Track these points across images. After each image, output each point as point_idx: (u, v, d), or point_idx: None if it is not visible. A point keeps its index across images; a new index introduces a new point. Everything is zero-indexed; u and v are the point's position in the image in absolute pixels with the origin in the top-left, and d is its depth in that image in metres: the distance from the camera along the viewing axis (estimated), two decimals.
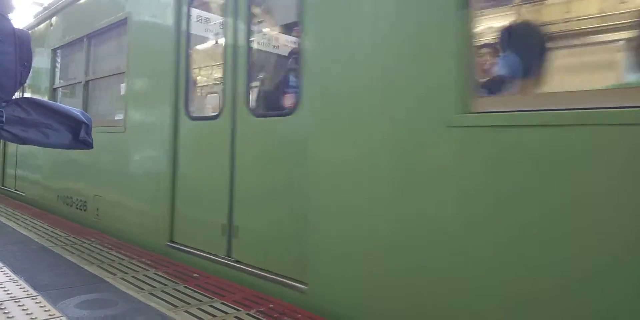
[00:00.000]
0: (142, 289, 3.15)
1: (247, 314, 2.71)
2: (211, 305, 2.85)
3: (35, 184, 7.00)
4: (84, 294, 2.99)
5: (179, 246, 3.93)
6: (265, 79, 4.11)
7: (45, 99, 6.41)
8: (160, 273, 3.54)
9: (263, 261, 3.23)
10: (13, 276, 3.31)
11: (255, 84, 3.83)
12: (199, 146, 3.93)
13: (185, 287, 3.21)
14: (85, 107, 5.88)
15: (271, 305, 2.86)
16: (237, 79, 3.52)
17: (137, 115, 4.72)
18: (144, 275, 3.47)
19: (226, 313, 2.73)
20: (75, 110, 2.47)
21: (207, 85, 5.41)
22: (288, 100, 3.49)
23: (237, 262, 3.40)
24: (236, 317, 2.67)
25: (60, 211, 6.06)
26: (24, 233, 4.87)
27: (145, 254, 4.12)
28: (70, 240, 4.58)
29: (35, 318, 2.55)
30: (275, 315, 2.71)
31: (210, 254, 3.63)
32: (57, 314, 2.63)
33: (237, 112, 3.51)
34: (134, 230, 4.58)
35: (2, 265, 3.57)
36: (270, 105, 3.76)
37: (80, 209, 5.58)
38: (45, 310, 2.66)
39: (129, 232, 4.65)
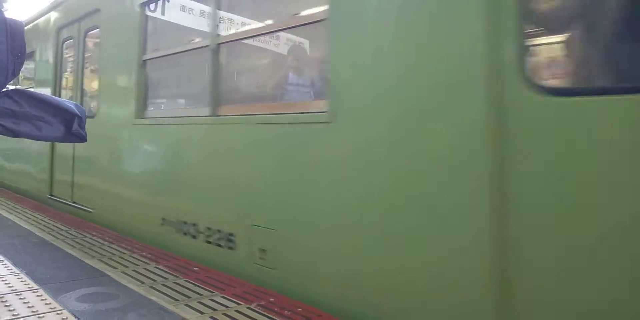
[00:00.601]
0: (143, 282, 3.15)
1: (248, 308, 2.71)
2: (212, 299, 2.85)
3: (112, 197, 4.89)
4: (85, 287, 3.00)
5: None
6: None
7: (133, 75, 4.64)
8: (161, 267, 3.54)
9: None
10: (14, 269, 3.31)
11: None
12: (585, 156, 1.84)
13: (185, 280, 3.21)
14: (217, 84, 3.73)
15: (272, 299, 2.86)
16: None
17: (365, 96, 2.63)
18: (145, 268, 3.48)
19: (227, 307, 2.73)
20: (69, 102, 2.43)
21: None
22: None
23: None
24: (237, 310, 2.68)
25: (169, 242, 4.01)
26: (25, 226, 4.88)
27: (147, 247, 4.13)
28: (71, 234, 4.59)
29: (37, 311, 2.56)
30: (275, 309, 2.71)
31: None
32: (58, 307, 2.64)
33: None
34: (383, 300, 2.46)
35: (3, 258, 3.58)
36: None
37: (218, 245, 3.52)
38: (47, 304, 2.67)
39: (363, 301, 2.54)
